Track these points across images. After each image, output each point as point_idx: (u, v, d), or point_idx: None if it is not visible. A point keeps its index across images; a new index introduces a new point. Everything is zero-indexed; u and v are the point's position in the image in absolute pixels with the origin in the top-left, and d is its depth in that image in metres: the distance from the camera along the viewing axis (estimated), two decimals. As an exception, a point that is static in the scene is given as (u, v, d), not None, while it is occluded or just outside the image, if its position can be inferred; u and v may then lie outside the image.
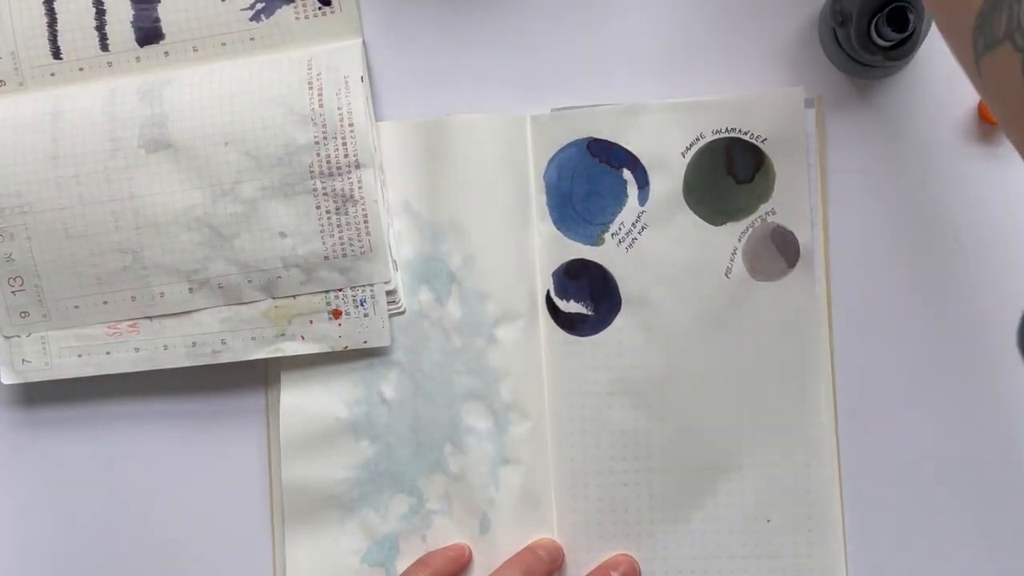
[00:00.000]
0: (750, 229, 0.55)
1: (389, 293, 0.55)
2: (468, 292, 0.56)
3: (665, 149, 0.55)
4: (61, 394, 0.59)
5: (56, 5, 0.57)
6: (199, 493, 0.59)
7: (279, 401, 0.57)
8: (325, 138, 0.54)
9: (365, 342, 0.55)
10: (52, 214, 0.55)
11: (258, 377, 0.58)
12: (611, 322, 0.56)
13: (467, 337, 0.56)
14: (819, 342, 0.55)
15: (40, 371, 0.57)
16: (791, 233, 0.55)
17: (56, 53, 0.57)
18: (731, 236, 0.55)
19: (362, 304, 0.55)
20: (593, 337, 0.56)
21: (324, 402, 0.57)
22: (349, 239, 0.55)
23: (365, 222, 0.54)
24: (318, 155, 0.54)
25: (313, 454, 0.57)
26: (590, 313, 0.56)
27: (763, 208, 0.55)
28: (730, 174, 0.55)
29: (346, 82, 0.54)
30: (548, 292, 0.56)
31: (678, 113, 0.55)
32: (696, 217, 0.55)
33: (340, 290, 0.55)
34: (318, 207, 0.54)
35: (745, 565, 0.55)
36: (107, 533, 0.59)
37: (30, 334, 0.57)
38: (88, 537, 0.59)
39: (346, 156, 0.54)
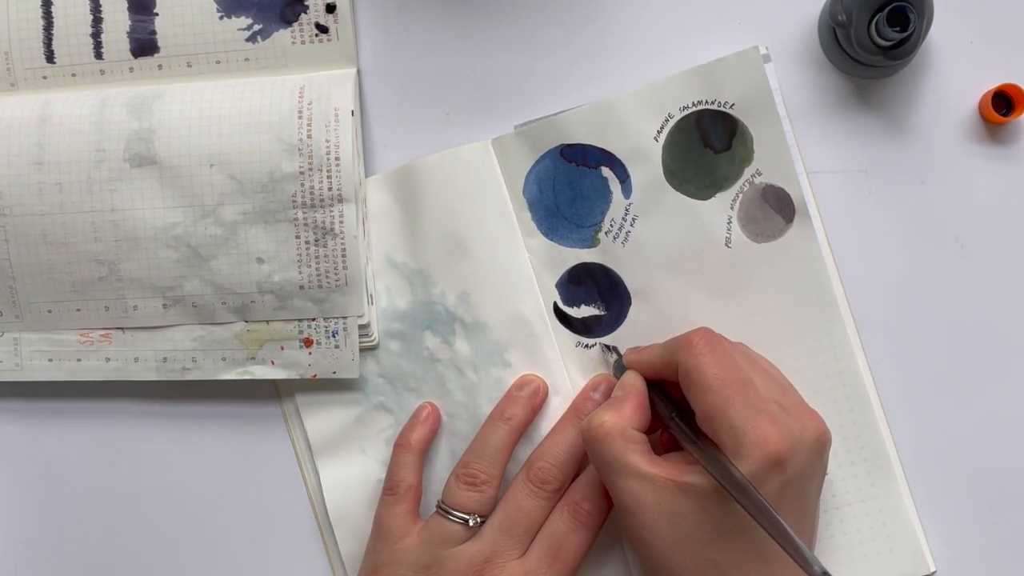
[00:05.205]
0: (740, 195, 0.55)
1: (362, 327, 0.55)
2: (471, 327, 0.56)
3: (637, 138, 0.55)
4: (53, 390, 0.59)
5: (54, 9, 0.56)
6: (211, 499, 0.59)
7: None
8: (311, 169, 0.54)
9: (334, 373, 0.55)
10: (32, 219, 0.55)
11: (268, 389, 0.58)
12: (625, 316, 0.56)
13: (482, 370, 0.56)
14: (833, 286, 0.55)
15: (11, 371, 0.58)
16: (782, 189, 0.55)
17: (50, 57, 0.57)
18: (723, 206, 0.55)
19: (334, 336, 0.55)
20: (612, 335, 0.56)
21: (361, 467, 0.57)
22: (326, 271, 0.54)
23: (343, 256, 0.54)
24: (302, 185, 0.54)
25: (366, 524, 0.56)
26: (603, 313, 0.56)
27: (748, 171, 0.55)
28: (707, 146, 0.55)
29: (336, 115, 0.54)
30: (555, 304, 0.56)
31: (642, 100, 0.55)
32: (683, 196, 0.55)
33: (313, 320, 0.55)
34: (297, 237, 0.54)
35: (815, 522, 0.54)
36: (111, 533, 0.59)
37: (3, 334, 0.57)
38: (85, 537, 0.59)
39: (330, 189, 0.54)
